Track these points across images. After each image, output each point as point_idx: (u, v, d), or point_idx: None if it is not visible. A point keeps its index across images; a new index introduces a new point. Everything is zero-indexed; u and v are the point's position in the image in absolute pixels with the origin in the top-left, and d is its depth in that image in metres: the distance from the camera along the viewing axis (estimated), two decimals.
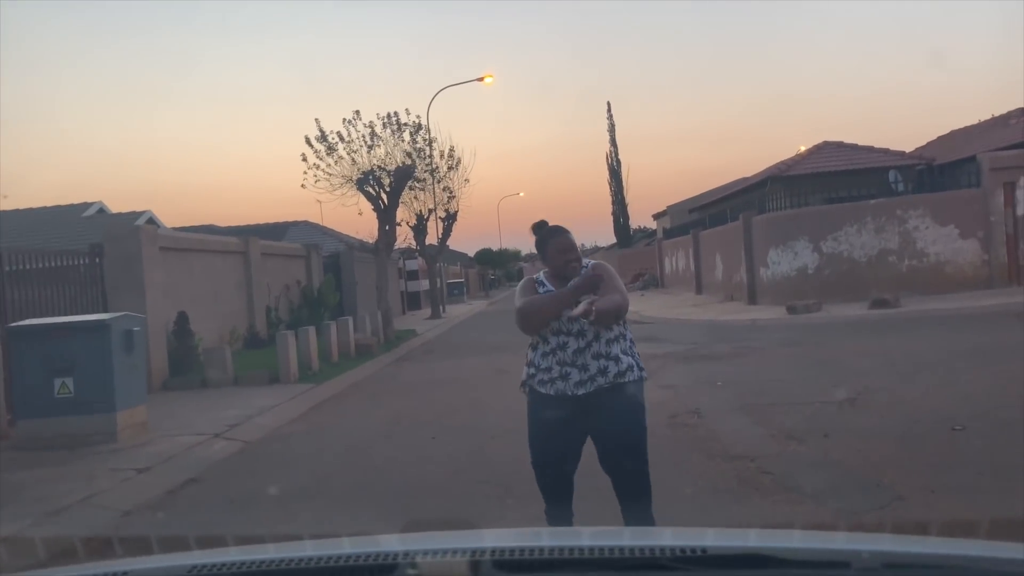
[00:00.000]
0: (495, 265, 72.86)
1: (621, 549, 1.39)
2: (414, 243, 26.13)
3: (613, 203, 57.23)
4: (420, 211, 25.06)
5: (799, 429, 6.64)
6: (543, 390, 3.69)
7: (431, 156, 23.50)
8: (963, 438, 6.00)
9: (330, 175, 19.06)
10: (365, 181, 18.86)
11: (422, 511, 5.09)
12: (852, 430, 6.52)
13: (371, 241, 19.94)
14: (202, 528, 5.07)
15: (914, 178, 21.54)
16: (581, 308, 3.42)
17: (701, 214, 32.53)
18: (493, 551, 1.40)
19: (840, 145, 25.61)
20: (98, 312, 10.44)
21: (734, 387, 9.06)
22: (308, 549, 1.57)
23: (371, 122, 19.66)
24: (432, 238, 26.99)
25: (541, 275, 3.85)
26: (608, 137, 56.57)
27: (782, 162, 27.35)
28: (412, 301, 34.71)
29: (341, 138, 19.09)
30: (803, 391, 8.48)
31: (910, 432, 6.34)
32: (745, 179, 31.55)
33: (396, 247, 21.83)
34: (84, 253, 11.60)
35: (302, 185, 19.23)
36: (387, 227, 19.34)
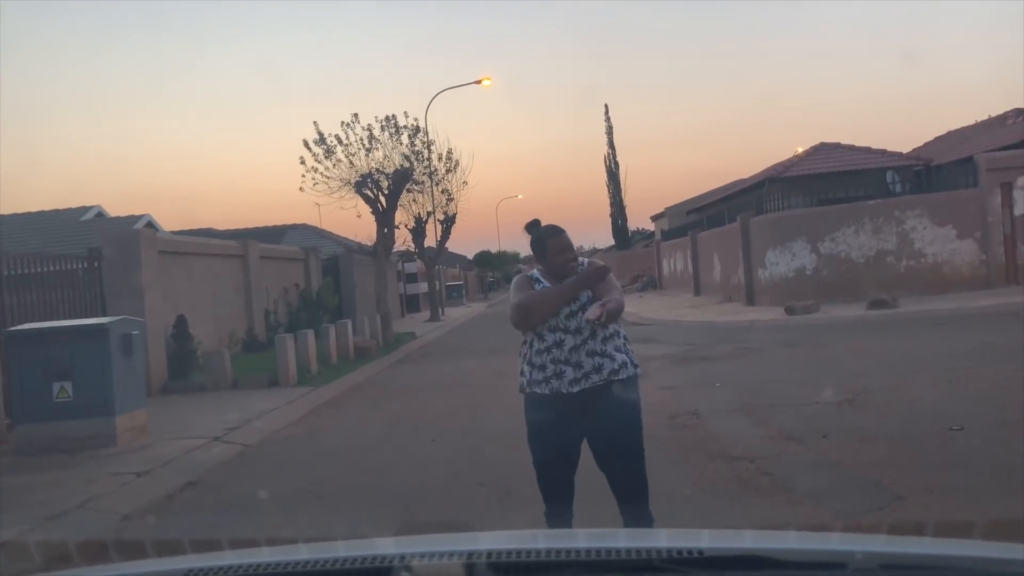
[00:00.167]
0: (494, 267, 72.83)
1: (617, 551, 1.40)
2: (413, 246, 26.13)
3: (611, 205, 57.33)
4: (419, 214, 25.07)
5: (798, 430, 6.65)
6: (538, 390, 3.69)
7: (429, 159, 23.52)
8: (962, 438, 6.00)
9: (328, 178, 19.08)
10: (363, 184, 18.87)
11: (422, 514, 5.09)
12: (851, 430, 6.52)
13: (370, 244, 19.95)
14: (201, 531, 5.07)
15: (911, 179, 21.57)
16: (596, 311, 3.42)
17: (699, 215, 32.54)
18: (489, 553, 1.40)
19: (837, 146, 25.65)
20: (97, 316, 10.44)
21: (733, 388, 9.07)
22: (303, 552, 1.58)
23: (369, 125, 19.69)
24: (431, 241, 27.00)
25: (536, 272, 3.85)
26: (606, 139, 56.68)
27: (780, 163, 27.39)
28: (411, 304, 34.70)
29: (339, 141, 19.11)
30: (802, 392, 8.48)
31: (909, 432, 6.35)
32: (743, 180, 31.58)
33: (395, 250, 21.84)
34: (83, 257, 11.60)
35: (300, 188, 19.27)
36: (386, 230, 19.34)
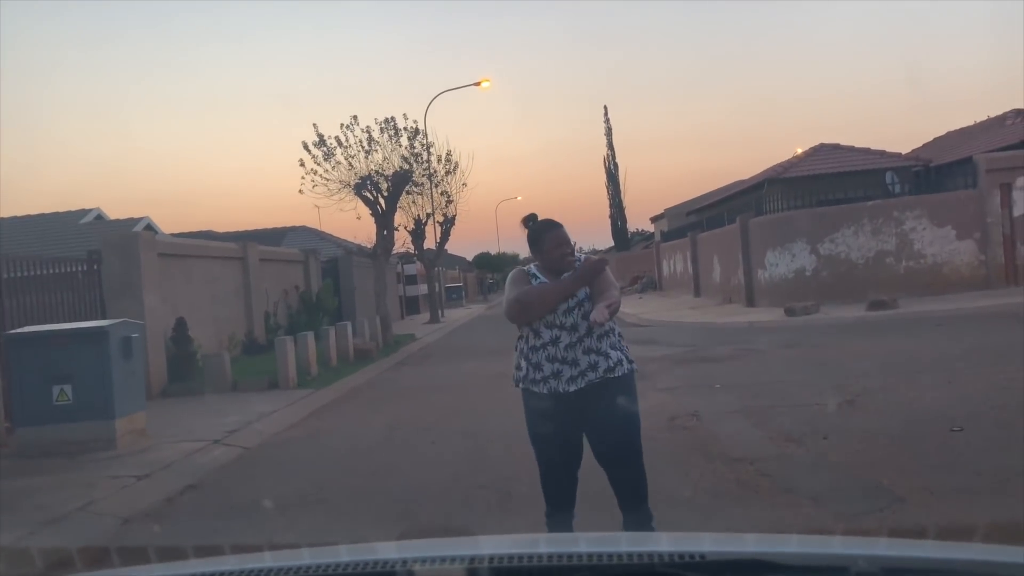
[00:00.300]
0: (493, 269, 72.87)
1: (619, 556, 1.40)
2: (412, 248, 26.15)
3: (611, 206, 57.38)
4: (418, 215, 25.10)
5: (798, 431, 6.64)
6: (536, 389, 3.69)
7: (429, 161, 23.55)
8: (962, 439, 6.00)
9: (328, 180, 19.11)
10: (363, 186, 18.89)
11: (422, 516, 5.09)
12: (851, 432, 6.52)
13: (369, 246, 19.96)
14: (202, 535, 5.07)
15: (911, 179, 21.60)
16: (603, 315, 3.42)
17: (699, 217, 32.56)
18: (491, 558, 1.40)
19: (837, 147, 25.68)
20: (96, 319, 10.45)
21: (733, 389, 9.07)
22: (305, 557, 1.58)
23: (368, 127, 19.71)
24: (430, 242, 27.04)
25: (532, 267, 3.84)
26: (605, 141, 56.75)
27: (779, 164, 27.42)
28: (411, 305, 34.70)
29: (339, 143, 19.12)
30: (802, 393, 8.48)
31: (909, 433, 6.35)
32: (742, 181, 31.61)
33: (394, 252, 21.85)
34: (82, 260, 11.60)
35: (300, 191, 19.29)
36: (385, 232, 19.35)
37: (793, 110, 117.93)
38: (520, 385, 3.78)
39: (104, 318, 10.56)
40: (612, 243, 60.08)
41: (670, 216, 41.61)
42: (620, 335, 3.80)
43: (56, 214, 24.13)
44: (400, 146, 20.48)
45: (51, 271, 10.67)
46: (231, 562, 1.62)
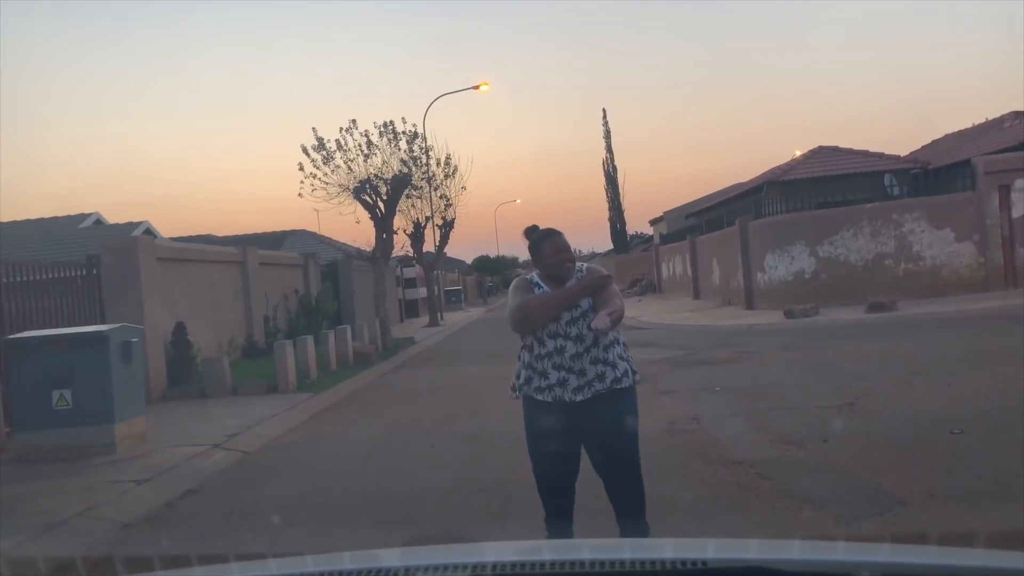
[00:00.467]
0: (492, 272, 72.94)
1: (622, 563, 1.40)
2: (411, 251, 26.15)
3: (610, 209, 57.45)
4: (417, 219, 25.12)
5: (798, 434, 6.64)
6: (540, 397, 3.68)
7: (428, 164, 23.56)
8: (962, 441, 6.00)
9: (327, 184, 19.09)
10: (362, 190, 18.88)
11: (422, 521, 5.08)
12: (851, 434, 6.52)
13: (368, 249, 19.95)
14: (202, 540, 5.06)
15: (909, 182, 21.62)
16: (604, 322, 3.42)
17: (698, 219, 32.59)
18: (494, 566, 1.40)
19: (835, 150, 25.71)
20: (96, 323, 10.42)
21: (732, 392, 9.07)
22: (309, 565, 1.58)
23: (367, 131, 19.71)
24: (429, 246, 27.05)
25: (534, 276, 3.85)
26: (604, 143, 56.82)
27: (778, 167, 27.45)
28: (410, 309, 34.70)
29: (339, 146, 19.12)
30: (801, 396, 8.48)
31: (909, 436, 6.35)
32: (741, 184, 31.64)
33: (394, 255, 21.85)
34: (81, 264, 11.59)
35: (299, 194, 19.27)
36: (384, 235, 19.35)
37: (792, 112, 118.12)
38: (519, 394, 3.77)
39: (103, 323, 10.55)
40: (611, 246, 60.12)
41: (669, 219, 41.64)
42: (624, 345, 3.81)
43: (55, 218, 24.12)
44: (399, 150, 20.49)
45: (50, 276, 10.66)
46: (235, 570, 1.63)
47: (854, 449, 6.04)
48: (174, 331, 12.52)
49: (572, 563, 1.41)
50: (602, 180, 57.44)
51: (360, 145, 19.39)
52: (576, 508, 3.84)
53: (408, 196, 22.39)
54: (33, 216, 25.34)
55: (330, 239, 33.59)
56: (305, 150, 18.87)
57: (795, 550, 1.53)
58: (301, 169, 18.92)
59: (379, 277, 19.35)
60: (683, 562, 1.37)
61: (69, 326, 9.66)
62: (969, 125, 29.20)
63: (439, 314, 29.17)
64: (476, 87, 29.09)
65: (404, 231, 24.29)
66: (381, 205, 19.18)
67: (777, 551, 1.54)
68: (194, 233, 30.63)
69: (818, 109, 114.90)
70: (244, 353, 15.92)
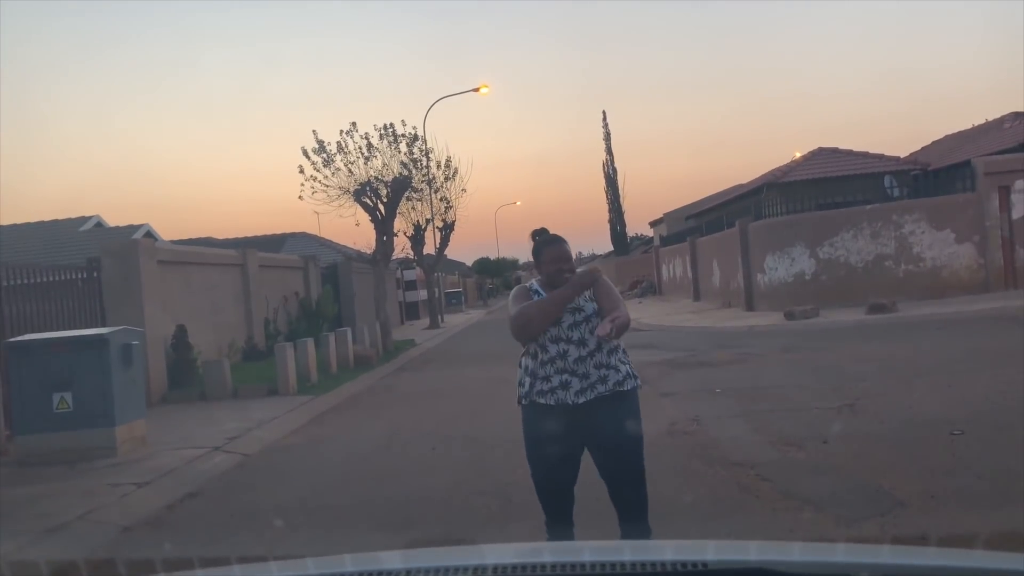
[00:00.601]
0: (493, 274, 72.95)
1: (622, 564, 1.40)
2: (412, 253, 26.15)
3: (610, 211, 57.44)
4: (417, 221, 25.11)
5: (798, 435, 6.64)
6: (542, 400, 3.68)
7: (428, 166, 23.56)
8: (962, 442, 6.00)
9: (327, 187, 19.09)
10: (362, 192, 18.89)
11: (423, 523, 5.09)
12: (851, 436, 6.52)
13: (369, 252, 19.96)
14: (203, 543, 5.06)
15: (909, 183, 21.63)
16: (606, 328, 3.42)
17: (698, 221, 32.62)
18: (495, 568, 1.40)
19: (835, 151, 25.73)
20: (96, 326, 10.43)
21: (733, 394, 9.07)
22: (310, 567, 1.58)
23: (368, 133, 19.72)
24: (430, 248, 27.03)
25: (534, 283, 3.85)
26: (604, 145, 56.83)
27: (777, 168, 27.47)
28: (410, 311, 34.70)
29: (340, 149, 19.13)
30: (802, 397, 8.49)
31: (909, 437, 6.35)
32: (741, 186, 31.66)
33: (394, 257, 21.85)
34: (82, 267, 11.60)
35: (300, 197, 19.27)
36: (385, 238, 19.35)
37: (792, 114, 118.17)
38: (524, 401, 3.77)
39: (104, 325, 10.56)
40: (611, 248, 60.11)
41: (669, 220, 41.66)
42: (624, 350, 3.81)
43: (56, 221, 24.16)
44: (399, 152, 20.49)
45: (51, 279, 10.67)
46: (236, 572, 1.63)
47: (854, 450, 6.04)
48: (174, 334, 12.52)
49: (572, 565, 1.41)
50: (602, 182, 57.49)
51: (360, 147, 19.41)
52: (577, 510, 3.84)
53: (408, 198, 22.39)
54: (34, 219, 25.37)
55: (330, 241, 33.65)
56: (305, 152, 18.88)
57: (796, 552, 1.53)
58: (301, 172, 18.93)
59: (379, 280, 19.35)
60: (683, 564, 1.37)
61: (70, 329, 9.67)
62: (969, 126, 29.24)
63: (439, 316, 29.17)
64: (476, 89, 29.10)
65: (404, 233, 24.29)
66: (381, 207, 19.18)
67: (778, 552, 1.54)
68: (194, 236, 30.70)
69: (818, 110, 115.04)
70: (244, 356, 15.92)
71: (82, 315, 11.01)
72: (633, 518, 3.72)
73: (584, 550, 1.67)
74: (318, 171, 18.95)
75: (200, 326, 13.89)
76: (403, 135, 20.56)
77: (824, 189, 21.91)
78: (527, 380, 3.74)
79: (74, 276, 11.34)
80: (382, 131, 20.08)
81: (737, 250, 21.64)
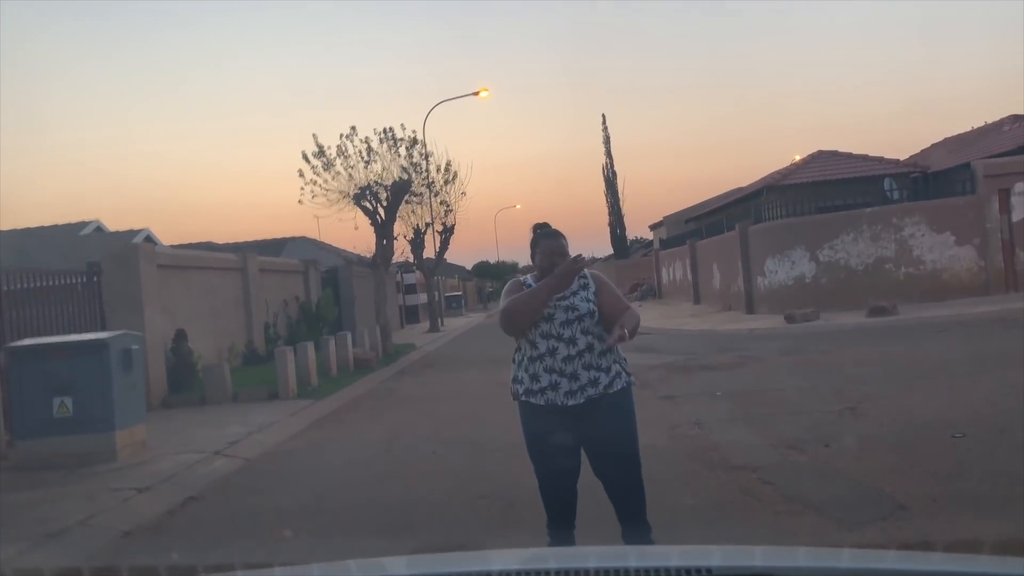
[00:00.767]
0: (493, 277, 72.90)
1: (627, 571, 1.39)
2: (412, 257, 26.15)
3: (609, 214, 57.46)
4: (417, 225, 25.12)
5: (799, 438, 6.64)
6: (533, 400, 3.68)
7: (428, 170, 23.58)
8: (963, 445, 6.00)
9: (327, 191, 19.12)
10: (362, 196, 18.91)
11: (424, 527, 5.08)
12: (853, 439, 6.51)
13: (369, 255, 19.96)
14: (203, 548, 5.05)
15: (909, 186, 21.63)
16: (616, 336, 3.41)
17: (697, 224, 32.62)
18: (500, 574, 1.40)
19: (835, 154, 25.73)
20: (96, 331, 10.44)
21: (733, 397, 9.06)
22: (315, 572, 1.57)
23: (367, 137, 19.74)
24: (429, 251, 27.04)
25: (529, 278, 3.84)
26: (604, 149, 56.87)
27: (777, 171, 27.47)
28: (410, 315, 34.71)
29: (340, 152, 19.15)
30: (803, 400, 8.48)
31: (910, 440, 6.34)
32: (741, 189, 31.66)
33: (394, 261, 21.86)
34: (82, 272, 11.59)
35: (299, 201, 19.29)
36: (384, 241, 19.36)
37: (791, 117, 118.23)
38: (520, 398, 3.77)
39: (104, 330, 10.55)
40: (611, 251, 60.11)
41: (669, 223, 41.65)
42: (619, 350, 3.80)
43: (56, 226, 24.19)
44: (399, 156, 20.53)
45: (51, 283, 10.67)
46: None
47: (856, 454, 6.03)
48: (174, 338, 12.51)
49: (578, 571, 1.41)
50: (602, 185, 57.51)
51: (360, 151, 19.44)
52: (578, 514, 3.83)
53: (408, 202, 22.40)
54: (34, 224, 25.38)
55: (330, 245, 33.62)
56: (306, 156, 18.90)
57: (801, 557, 1.52)
58: (301, 176, 18.96)
59: (379, 283, 19.35)
60: (688, 570, 1.36)
61: (70, 333, 9.67)
62: (968, 129, 29.23)
63: (439, 320, 29.18)
64: (476, 93, 29.13)
65: (404, 237, 24.31)
66: (381, 211, 19.20)
67: (783, 558, 1.53)
68: (194, 240, 30.66)
69: (817, 113, 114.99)
70: (245, 360, 15.92)
71: (82, 319, 11.01)
72: (631, 516, 3.71)
73: (589, 556, 1.66)
74: (318, 175, 18.98)
75: (200, 330, 13.89)
76: (403, 139, 20.61)
77: (824, 192, 21.90)
78: (520, 375, 3.74)
79: (74, 281, 11.34)
80: (382, 135, 20.12)
81: (737, 253, 21.63)
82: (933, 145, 30.51)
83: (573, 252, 3.81)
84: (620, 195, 56.81)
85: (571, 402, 3.59)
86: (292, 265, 21.35)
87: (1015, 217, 18.29)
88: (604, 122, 56.94)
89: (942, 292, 17.93)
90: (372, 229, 19.28)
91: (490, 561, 1.54)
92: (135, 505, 6.05)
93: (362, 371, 14.68)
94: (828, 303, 18.01)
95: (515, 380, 3.77)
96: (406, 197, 20.88)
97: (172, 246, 22.97)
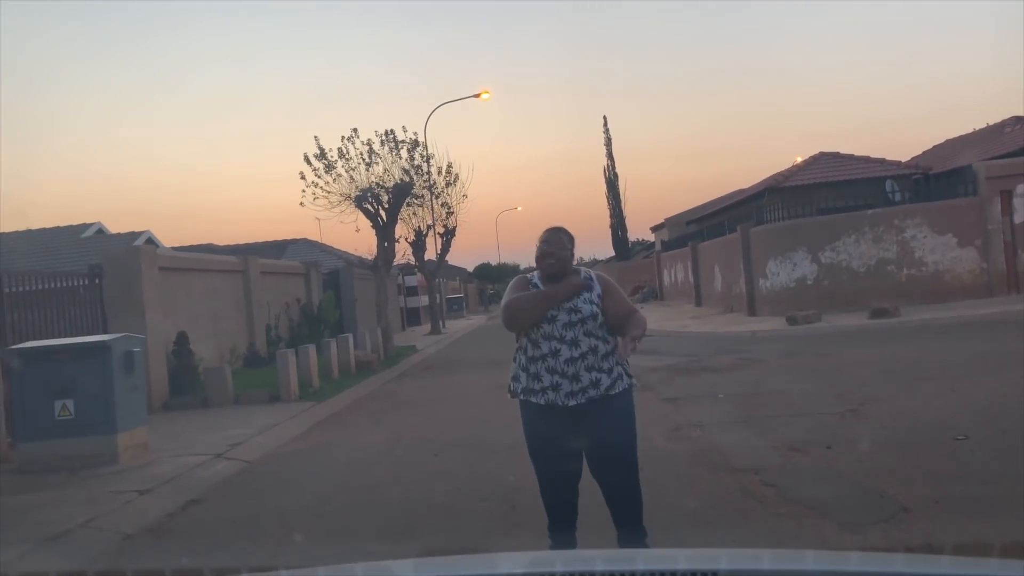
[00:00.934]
0: (494, 279, 72.90)
1: (634, 574, 1.39)
2: (413, 259, 26.15)
3: (611, 216, 57.35)
4: (419, 227, 25.11)
5: (801, 441, 6.63)
6: (534, 399, 3.68)
7: (429, 172, 23.58)
8: (965, 447, 5.99)
9: (329, 193, 19.11)
10: (363, 198, 18.90)
11: (426, 530, 5.07)
12: (854, 441, 6.50)
13: (370, 258, 19.96)
14: (205, 550, 5.04)
15: (911, 187, 21.62)
16: (628, 348, 3.43)
17: (699, 226, 32.61)
18: None
19: (836, 155, 25.71)
20: (98, 333, 10.43)
21: (735, 399, 9.05)
22: (321, 575, 1.57)
23: (369, 140, 19.74)
24: (431, 254, 27.03)
25: (535, 276, 3.86)
26: (605, 151, 56.82)
27: (779, 173, 27.45)
28: (412, 317, 34.70)
29: (341, 155, 19.15)
30: (804, 402, 8.47)
31: (912, 442, 6.33)
32: (742, 191, 31.64)
33: (395, 263, 21.86)
34: (83, 274, 11.60)
35: (301, 203, 19.29)
36: (386, 244, 19.36)
37: (793, 119, 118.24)
38: (520, 396, 3.78)
39: (105, 332, 10.56)
40: (613, 253, 60.07)
41: (670, 225, 41.64)
42: None
43: (57, 228, 24.17)
44: (400, 158, 20.53)
45: (52, 286, 10.67)
46: None
47: (858, 456, 6.02)
48: (176, 340, 12.51)
49: (584, 574, 1.40)
50: (603, 187, 57.42)
51: (362, 154, 19.44)
52: (578, 516, 3.82)
53: (409, 204, 22.39)
54: (35, 226, 25.38)
55: (332, 248, 33.65)
56: (307, 159, 18.90)
57: (808, 561, 1.52)
58: (303, 178, 18.96)
59: (381, 285, 19.35)
60: (695, 573, 1.36)
61: (71, 336, 9.66)
62: (970, 130, 29.22)
63: (441, 322, 29.16)
64: (477, 95, 29.15)
65: (405, 239, 24.30)
66: (383, 213, 19.20)
67: (790, 562, 1.52)
68: (196, 242, 30.67)
69: (819, 115, 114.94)
70: (246, 362, 15.92)
71: (84, 322, 11.01)
72: (627, 520, 3.71)
73: (595, 559, 1.65)
74: (319, 177, 18.98)
75: (202, 332, 13.89)
76: (404, 141, 20.61)
77: (826, 194, 21.89)
78: (520, 375, 3.75)
79: (75, 283, 11.34)
80: (383, 137, 20.13)
81: (739, 255, 21.62)
82: (935, 147, 30.50)
83: (575, 255, 3.86)
84: (621, 197, 56.71)
85: (572, 402, 3.60)
86: (293, 267, 21.36)
87: (1017, 219, 18.28)
88: (605, 124, 56.91)
89: (944, 294, 17.92)
90: (373, 231, 19.28)
91: (496, 564, 1.53)
92: (137, 507, 6.05)
93: (364, 373, 14.67)
94: (830, 305, 17.99)
95: (514, 378, 3.78)
96: (407, 199, 20.89)
97: (173, 248, 22.99)
